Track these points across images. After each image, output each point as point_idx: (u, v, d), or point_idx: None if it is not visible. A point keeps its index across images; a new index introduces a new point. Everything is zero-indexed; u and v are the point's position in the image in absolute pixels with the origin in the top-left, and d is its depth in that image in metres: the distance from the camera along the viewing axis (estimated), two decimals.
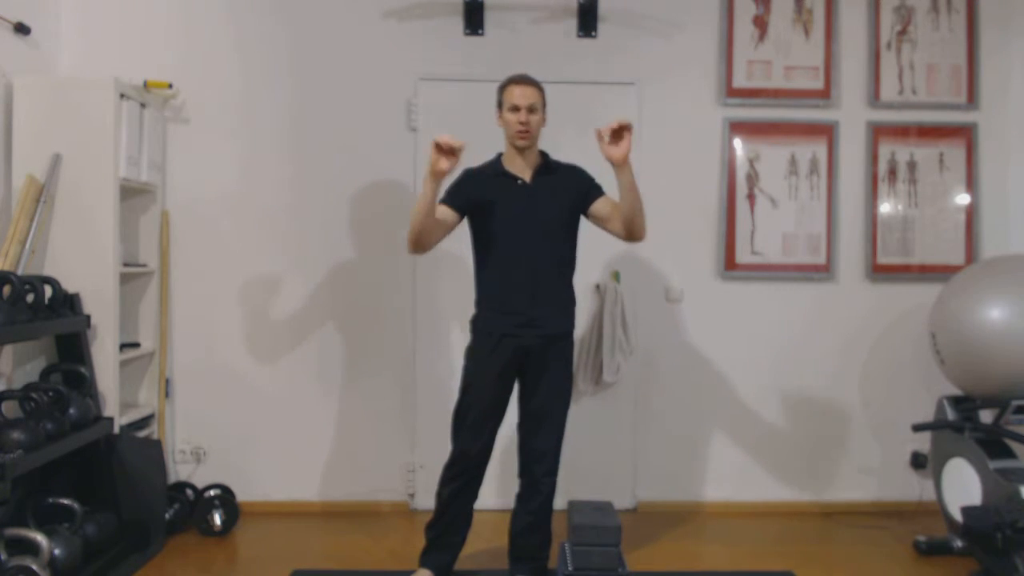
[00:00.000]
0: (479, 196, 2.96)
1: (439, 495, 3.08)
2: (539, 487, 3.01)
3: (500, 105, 2.98)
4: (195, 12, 3.93)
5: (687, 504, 4.07)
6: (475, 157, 4.00)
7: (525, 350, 2.94)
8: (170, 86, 3.82)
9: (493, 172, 3.01)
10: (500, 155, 3.06)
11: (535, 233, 2.95)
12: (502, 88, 2.99)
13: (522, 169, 2.99)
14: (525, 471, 3.04)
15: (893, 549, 3.57)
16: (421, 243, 2.88)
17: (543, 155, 3.05)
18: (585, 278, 3.97)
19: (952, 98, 4.11)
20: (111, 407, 3.42)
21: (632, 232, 2.96)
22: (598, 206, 3.01)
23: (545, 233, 2.97)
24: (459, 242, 3.99)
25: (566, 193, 3.01)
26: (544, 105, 2.98)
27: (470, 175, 3.03)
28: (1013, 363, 3.26)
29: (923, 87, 4.10)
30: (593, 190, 3.04)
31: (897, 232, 4.10)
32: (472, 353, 3.02)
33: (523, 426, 3.04)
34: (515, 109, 2.91)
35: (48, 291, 3.18)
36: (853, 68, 4.09)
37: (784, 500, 4.09)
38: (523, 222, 2.95)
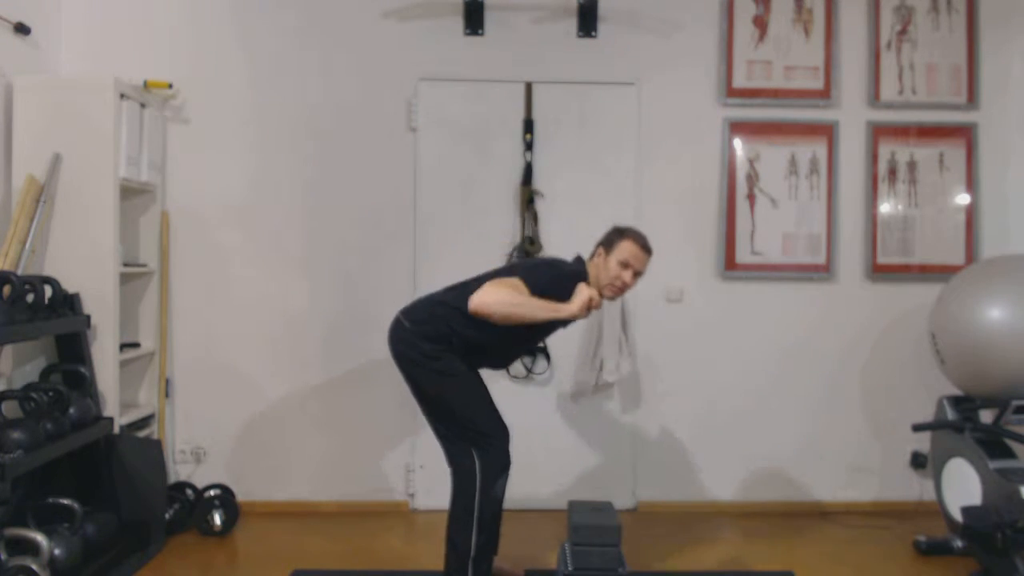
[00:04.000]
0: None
1: (495, 499, 2.86)
2: None
3: (609, 246, 2.89)
4: (195, 12, 3.94)
5: (687, 504, 4.07)
6: (473, 156, 4.01)
7: None
8: (170, 86, 3.82)
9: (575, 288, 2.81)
10: (582, 262, 2.95)
11: (547, 334, 3.07)
12: (621, 235, 2.90)
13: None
14: None
15: (893, 549, 3.56)
16: (503, 323, 2.72)
17: None
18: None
19: (952, 98, 4.10)
20: (111, 407, 3.42)
21: None
22: None
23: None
24: (460, 243, 4.00)
25: None
26: None
27: (567, 283, 2.78)
28: (1013, 363, 3.26)
29: (923, 87, 4.10)
30: None
31: (897, 232, 4.10)
32: (455, 367, 2.87)
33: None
34: (626, 266, 2.85)
35: (48, 291, 3.18)
36: (853, 68, 4.09)
37: (784, 500, 4.09)
38: (551, 328, 2.97)
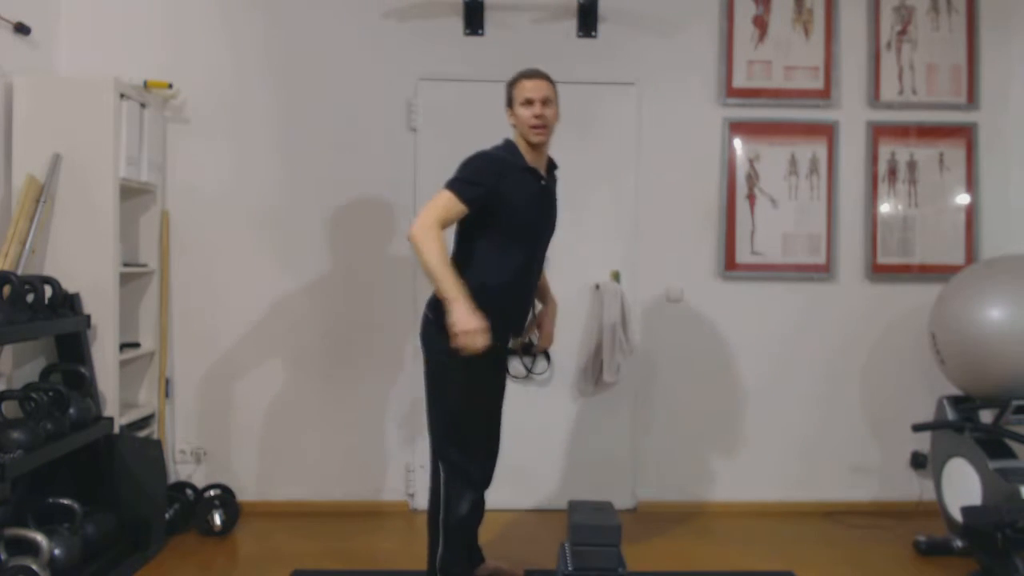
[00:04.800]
0: (501, 189, 2.72)
1: (459, 518, 2.83)
2: None
3: (510, 102, 2.84)
4: (196, 12, 3.93)
5: (687, 504, 4.07)
6: None
7: (500, 351, 2.89)
8: (170, 86, 3.82)
9: (517, 166, 2.80)
10: (509, 142, 2.86)
11: (542, 237, 2.91)
12: (512, 84, 2.85)
13: (538, 166, 2.87)
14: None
15: (893, 549, 3.56)
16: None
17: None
18: (585, 278, 3.98)
19: (952, 98, 4.10)
20: (111, 407, 3.42)
21: None
22: None
23: (546, 237, 2.94)
24: None
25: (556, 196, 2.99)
26: (556, 98, 2.85)
27: (493, 164, 2.77)
28: (1013, 363, 3.26)
29: (923, 87, 4.10)
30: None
31: (897, 232, 4.10)
32: (467, 374, 2.75)
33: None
34: (529, 103, 2.77)
35: (48, 291, 3.18)
36: (853, 68, 4.09)
37: (784, 500, 4.09)
38: (537, 225, 2.87)
